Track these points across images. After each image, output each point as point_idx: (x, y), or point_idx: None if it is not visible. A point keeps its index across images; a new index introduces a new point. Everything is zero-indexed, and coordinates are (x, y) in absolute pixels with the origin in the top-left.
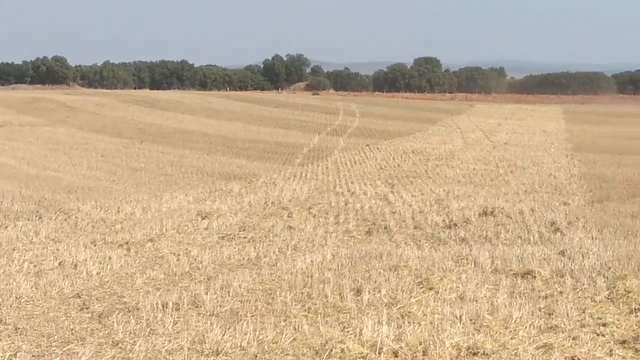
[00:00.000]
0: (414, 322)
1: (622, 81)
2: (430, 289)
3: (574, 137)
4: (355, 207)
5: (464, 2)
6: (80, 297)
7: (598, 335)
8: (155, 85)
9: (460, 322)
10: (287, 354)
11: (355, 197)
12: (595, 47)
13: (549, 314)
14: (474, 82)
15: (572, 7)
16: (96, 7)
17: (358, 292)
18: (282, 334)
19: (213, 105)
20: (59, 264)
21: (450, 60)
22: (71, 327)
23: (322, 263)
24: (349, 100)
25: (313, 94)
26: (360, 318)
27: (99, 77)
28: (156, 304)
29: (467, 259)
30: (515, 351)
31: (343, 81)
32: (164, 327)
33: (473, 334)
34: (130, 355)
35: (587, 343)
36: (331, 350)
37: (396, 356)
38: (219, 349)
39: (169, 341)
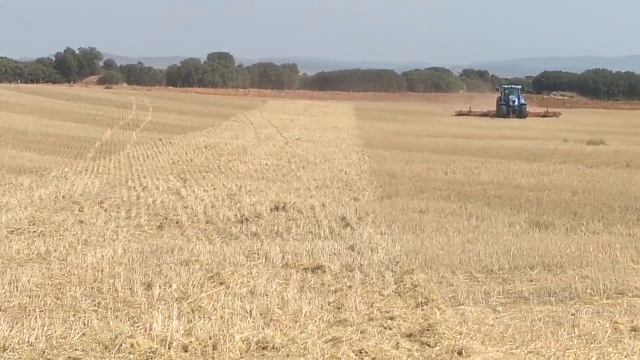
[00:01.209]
0: (204, 317)
1: (412, 79)
2: (221, 283)
3: (364, 133)
4: (147, 201)
5: None
6: None
7: (385, 328)
8: None
9: (250, 316)
10: (76, 349)
11: (147, 192)
12: (387, 47)
13: (338, 308)
14: (267, 78)
15: (362, 8)
16: None
17: (149, 286)
18: (71, 329)
19: (3, 97)
20: None
21: (243, 55)
22: None
23: (113, 257)
24: (142, 94)
25: (106, 88)
26: (150, 313)
27: None
28: None
29: (258, 254)
30: (304, 345)
31: (136, 75)
32: None
33: (263, 328)
34: None
35: (374, 336)
36: (121, 345)
37: (186, 351)
38: (6, 345)
39: None
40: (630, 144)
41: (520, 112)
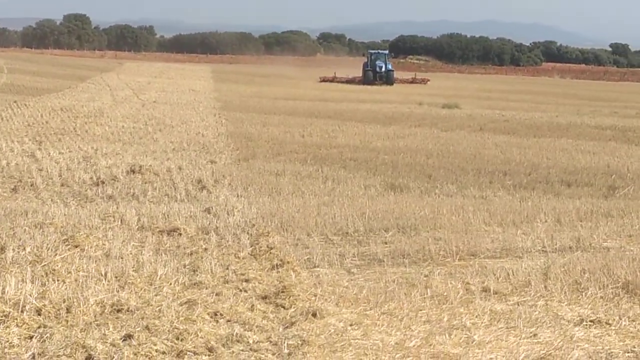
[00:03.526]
0: (58, 280)
1: (269, 42)
2: (76, 246)
3: (222, 96)
4: (1, 164)
5: None
6: None
7: (241, 291)
8: None
9: (105, 279)
10: None
11: (1, 154)
12: (246, 9)
13: (194, 271)
14: (124, 40)
15: None
16: None
17: (2, 249)
18: None
19: None
20: None
21: (100, 17)
22: None
23: None
24: None
25: None
26: (3, 276)
27: None
28: None
29: (113, 217)
30: (159, 307)
31: None
32: None
33: (118, 291)
34: None
35: (230, 299)
36: None
37: (39, 314)
38: None
39: None
40: (483, 108)
41: (387, 79)
